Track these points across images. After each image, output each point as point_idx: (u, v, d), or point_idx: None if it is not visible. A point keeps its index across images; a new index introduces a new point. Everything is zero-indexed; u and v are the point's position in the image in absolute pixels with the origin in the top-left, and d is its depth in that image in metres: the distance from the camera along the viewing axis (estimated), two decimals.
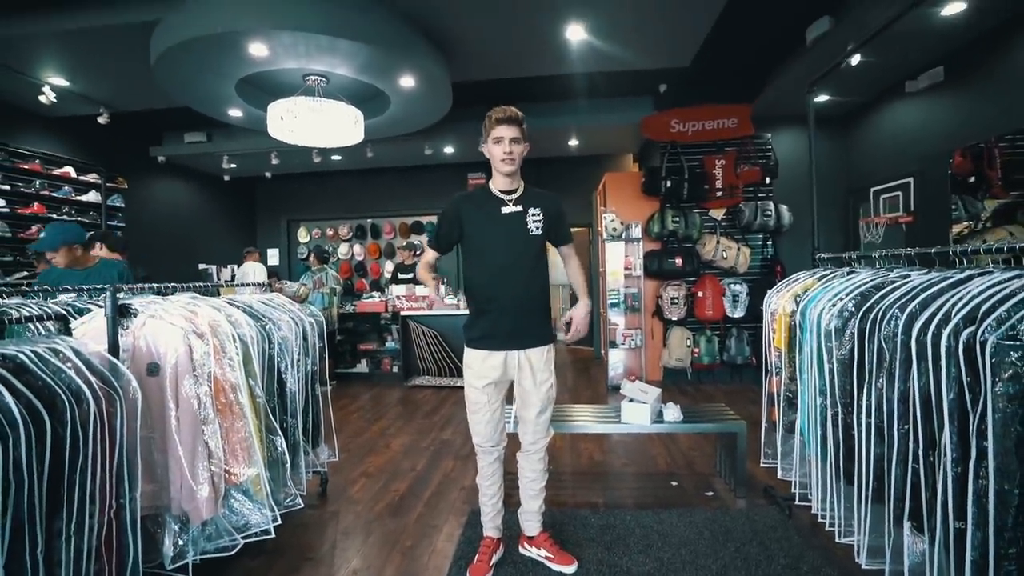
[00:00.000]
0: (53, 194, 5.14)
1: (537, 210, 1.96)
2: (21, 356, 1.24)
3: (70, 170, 5.33)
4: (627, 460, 3.19)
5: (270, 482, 2.01)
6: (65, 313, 1.60)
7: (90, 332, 1.77)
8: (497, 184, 1.97)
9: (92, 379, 1.40)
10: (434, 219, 8.20)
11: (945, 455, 1.28)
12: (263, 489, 1.94)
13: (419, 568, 2.09)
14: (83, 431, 1.33)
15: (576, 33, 3.69)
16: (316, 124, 3.69)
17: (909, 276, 1.71)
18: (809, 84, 2.47)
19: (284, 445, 2.04)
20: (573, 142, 6.43)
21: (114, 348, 1.73)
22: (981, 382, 1.18)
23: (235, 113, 4.58)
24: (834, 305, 1.84)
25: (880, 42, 3.57)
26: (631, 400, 2.67)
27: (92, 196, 5.50)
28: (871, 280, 1.84)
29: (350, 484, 2.93)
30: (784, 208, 5.05)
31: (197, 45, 3.26)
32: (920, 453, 1.40)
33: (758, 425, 3.48)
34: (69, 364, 1.38)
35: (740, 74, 5.00)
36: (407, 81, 4.04)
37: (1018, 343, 1.13)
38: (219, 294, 2.42)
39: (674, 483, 2.85)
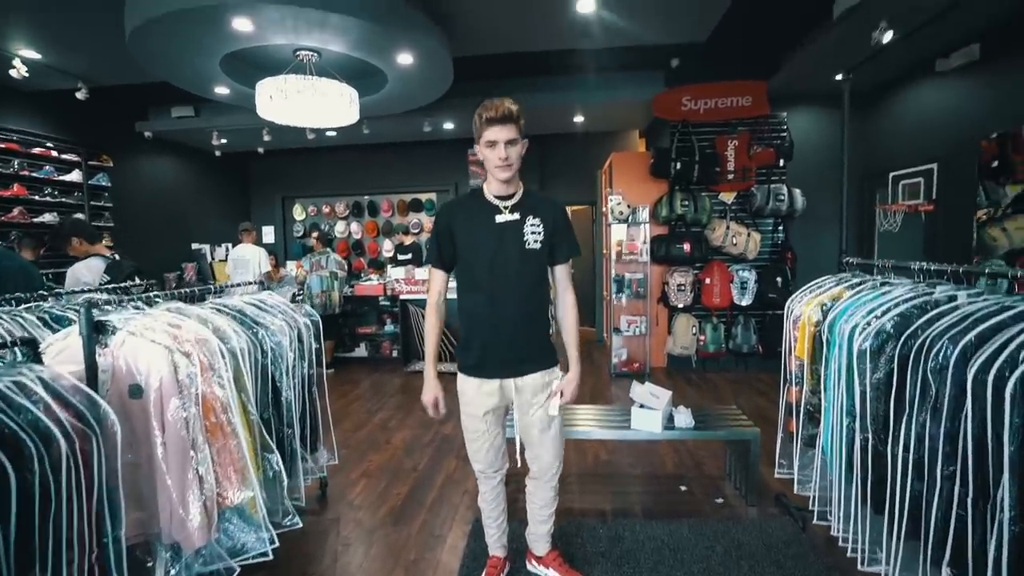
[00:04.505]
0: (34, 174, 4.91)
1: (537, 220, 1.68)
2: None
3: (51, 148, 5.08)
4: (634, 460, 3.11)
5: (266, 502, 1.91)
6: (33, 338, 1.46)
7: (65, 352, 1.63)
8: (491, 188, 1.69)
9: (64, 416, 1.27)
10: (433, 196, 8.02)
11: (1002, 511, 1.17)
12: (259, 511, 1.85)
13: None
14: (55, 476, 1.21)
15: (587, 5, 3.43)
16: (307, 103, 3.46)
17: (957, 299, 1.58)
18: (846, 72, 2.27)
19: (280, 463, 1.94)
20: (578, 119, 6.16)
21: (91, 372, 1.59)
22: None
23: (221, 90, 4.32)
24: (869, 323, 1.70)
25: (912, 16, 3.35)
26: (641, 406, 2.56)
27: (76, 176, 5.27)
28: (911, 297, 1.70)
29: (351, 487, 2.85)
30: (798, 192, 4.86)
31: (174, 19, 3.01)
32: (968, 500, 1.29)
33: (768, 422, 3.42)
34: (36, 399, 1.25)
35: (756, 49, 4.74)
36: (405, 59, 3.79)
37: None
38: (205, 298, 2.27)
39: (683, 487, 2.77)
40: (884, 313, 1.68)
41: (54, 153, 5.10)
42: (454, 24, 3.84)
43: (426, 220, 7.72)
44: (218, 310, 2.08)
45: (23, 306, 2.10)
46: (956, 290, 1.63)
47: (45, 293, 2.44)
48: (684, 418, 2.59)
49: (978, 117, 3.70)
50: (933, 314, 1.51)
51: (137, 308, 1.87)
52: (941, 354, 1.37)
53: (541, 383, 1.76)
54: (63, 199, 5.08)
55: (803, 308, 2.18)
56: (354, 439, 3.54)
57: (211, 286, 2.43)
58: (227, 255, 6.58)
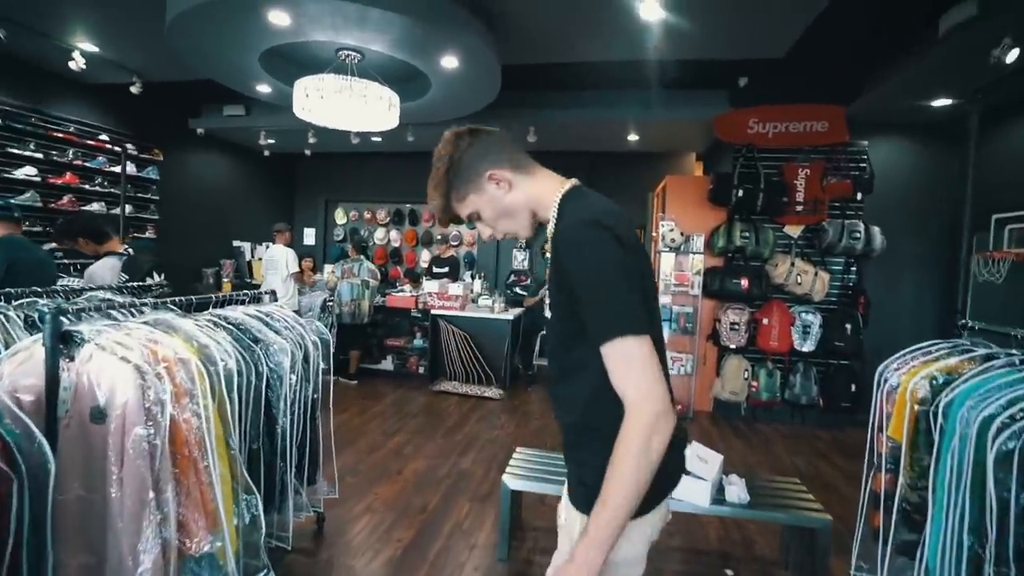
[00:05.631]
0: (87, 164, 4.99)
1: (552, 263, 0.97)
2: None
3: (104, 140, 5.16)
4: (672, 529, 2.70)
5: (240, 551, 1.65)
6: None
7: (28, 364, 1.43)
8: None
9: None
10: None
11: None
12: (229, 562, 1.58)
13: None
14: None
15: (651, 11, 3.12)
16: (345, 105, 3.29)
17: None
18: (974, 90, 1.85)
19: (260, 507, 1.67)
20: (632, 137, 5.82)
21: (51, 388, 1.38)
22: None
23: (263, 88, 4.25)
24: (1014, 416, 1.29)
25: None
26: (687, 473, 2.17)
27: (128, 168, 5.34)
28: None
29: (351, 523, 2.57)
30: (876, 230, 4.33)
31: (210, 10, 2.89)
32: None
33: (834, 494, 2.93)
34: None
35: (835, 71, 4.28)
36: (450, 61, 3.58)
37: None
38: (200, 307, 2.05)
39: (729, 572, 2.35)
40: None
41: (108, 144, 5.18)
42: (504, 28, 3.61)
43: (466, 233, 7.51)
44: (214, 323, 1.86)
45: (18, 302, 1.95)
46: None
47: (57, 289, 2.31)
48: (737, 491, 2.19)
49: None
50: None
51: (117, 318, 1.66)
52: None
53: (572, 528, 1.02)
54: (112, 189, 5.14)
55: (903, 378, 1.75)
56: (364, 464, 3.28)
57: (242, 295, 2.21)
58: (258, 258, 6.58)
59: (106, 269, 2.63)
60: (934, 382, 1.63)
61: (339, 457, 3.23)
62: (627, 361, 0.84)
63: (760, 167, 4.51)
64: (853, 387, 4.55)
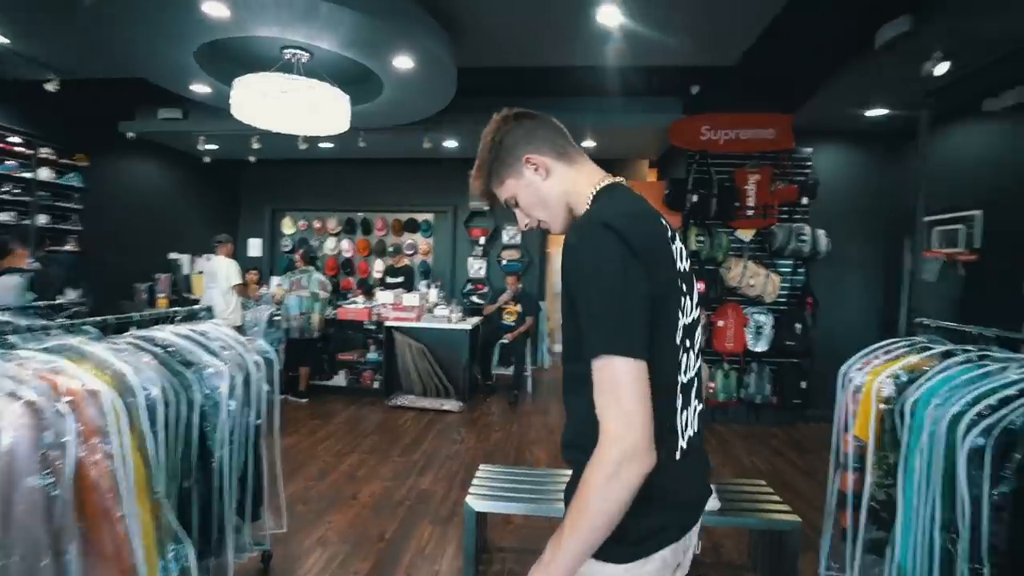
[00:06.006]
0: None
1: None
2: None
3: (16, 142, 4.69)
4: None
5: None
6: None
7: None
8: None
9: None
10: (430, 217, 7.65)
11: None
12: None
13: None
14: None
15: (610, 17, 3.10)
16: (291, 107, 3.09)
17: None
18: (925, 93, 1.90)
19: (191, 558, 1.47)
20: (588, 143, 5.83)
21: None
22: None
23: (200, 88, 3.96)
24: (983, 416, 1.28)
25: (963, 50, 3.03)
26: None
27: (45, 174, 4.87)
28: None
29: (301, 559, 2.36)
30: (821, 233, 4.49)
31: None
32: None
33: (793, 494, 2.94)
34: None
35: (783, 80, 4.43)
36: (404, 62, 3.44)
37: None
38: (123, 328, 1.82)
39: None
40: (1004, 403, 1.27)
41: (19, 148, 4.70)
42: (461, 29, 3.51)
43: (421, 241, 7.33)
44: (137, 346, 1.64)
45: None
46: None
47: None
48: (712, 500, 2.13)
49: None
50: None
51: (14, 344, 1.42)
52: None
53: None
54: (24, 197, 4.67)
55: (867, 378, 1.75)
56: (315, 492, 3.05)
57: (171, 312, 1.98)
58: (198, 271, 6.16)
59: (7, 288, 2.32)
60: (898, 380, 1.64)
61: (288, 485, 3.00)
62: (611, 384, 0.76)
63: (713, 173, 4.60)
64: (804, 384, 4.70)
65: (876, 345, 1.88)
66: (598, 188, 0.93)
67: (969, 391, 1.38)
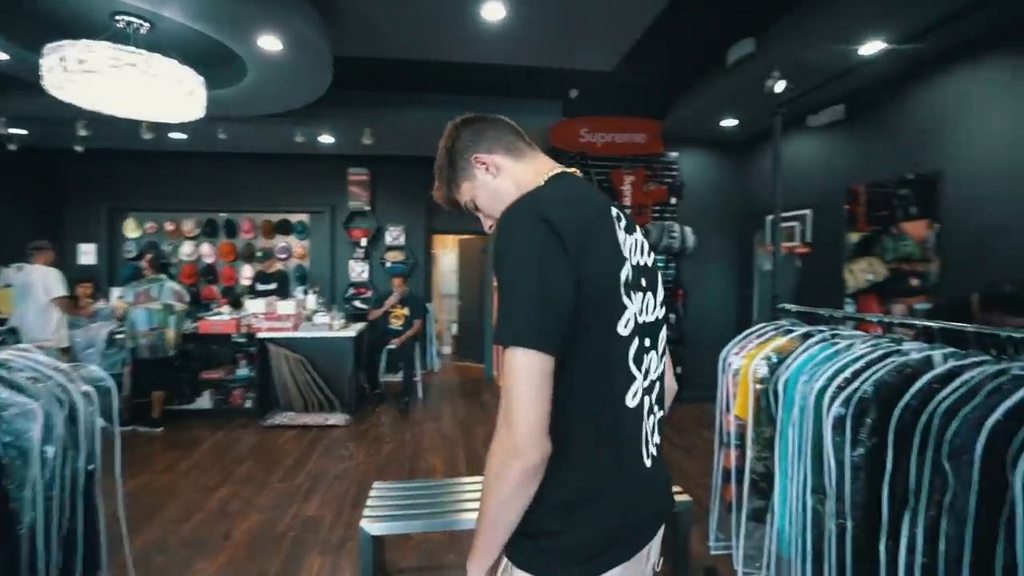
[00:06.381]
0: None
1: None
2: None
3: None
4: None
5: None
6: None
7: None
8: None
9: None
10: (305, 218, 7.05)
11: None
12: None
13: None
14: None
15: (494, 12, 3.07)
16: (126, 85, 2.60)
17: (933, 360, 1.36)
18: (776, 106, 2.12)
19: None
20: None
21: None
22: None
23: None
24: (842, 388, 1.44)
25: (793, 73, 3.49)
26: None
27: None
28: (881, 356, 1.47)
29: None
30: (689, 230, 4.93)
31: None
32: None
33: (680, 475, 3.17)
34: None
35: (653, 88, 4.77)
36: (270, 43, 3.09)
37: None
38: None
39: None
40: (856, 376, 1.43)
41: None
42: (337, 14, 3.25)
43: (296, 244, 6.75)
44: None
45: None
46: (931, 349, 1.42)
47: None
48: None
49: (845, 169, 3.98)
50: (925, 381, 1.26)
51: None
52: (958, 437, 1.10)
53: None
54: None
55: (744, 361, 1.91)
56: (177, 537, 2.61)
57: None
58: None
59: None
60: (770, 362, 1.80)
61: (140, 534, 2.56)
62: (512, 374, 0.72)
63: (593, 174, 4.82)
64: (679, 369, 5.11)
65: (749, 330, 2.05)
66: (546, 178, 0.91)
67: (828, 367, 1.55)
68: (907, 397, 1.26)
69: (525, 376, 0.71)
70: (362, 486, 3.18)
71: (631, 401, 0.81)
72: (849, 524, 1.40)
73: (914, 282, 3.48)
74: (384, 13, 3.28)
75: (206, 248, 6.62)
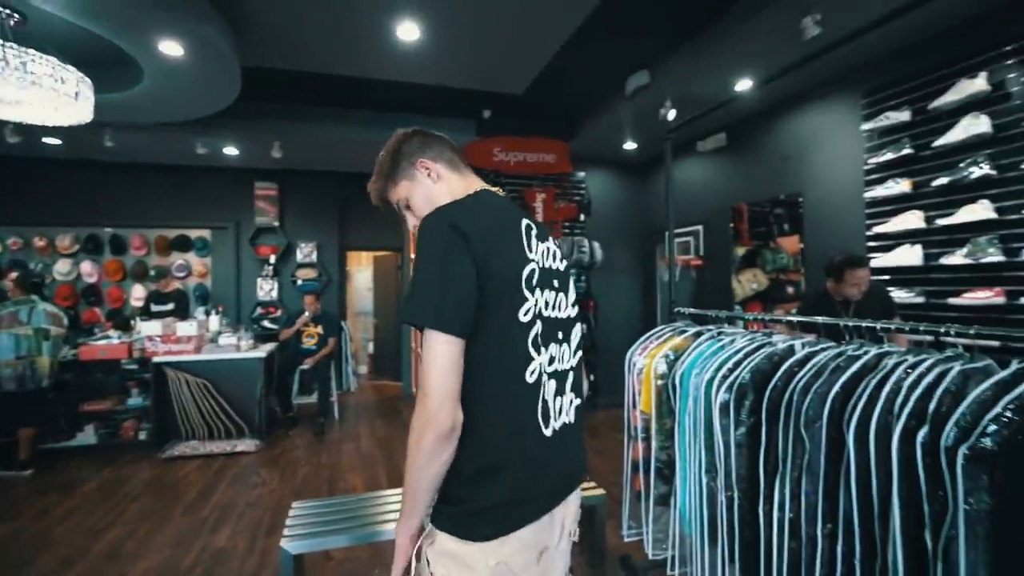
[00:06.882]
0: None
1: None
2: None
3: None
4: None
5: None
6: None
7: None
8: None
9: None
10: (206, 234, 6.58)
11: (895, 572, 1.11)
12: None
13: None
14: None
15: (409, 32, 3.15)
16: None
17: (795, 349, 1.63)
18: (667, 131, 2.40)
19: None
20: None
21: None
22: (949, 495, 1.03)
23: None
24: (726, 377, 1.67)
25: (682, 103, 3.92)
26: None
27: None
28: (756, 348, 1.72)
29: None
30: (597, 245, 5.26)
31: None
32: (856, 561, 1.23)
33: (595, 474, 3.37)
34: None
35: (560, 112, 5.09)
36: (171, 47, 2.94)
37: (985, 452, 1.00)
38: None
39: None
40: (737, 365, 1.66)
41: None
42: (247, 23, 3.16)
43: (195, 261, 6.29)
44: None
45: None
46: (793, 340, 1.69)
47: None
48: None
49: (729, 190, 4.50)
50: (788, 366, 1.51)
51: None
52: (812, 409, 1.34)
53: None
54: None
55: (646, 360, 2.12)
56: None
57: None
58: None
59: None
60: (668, 359, 2.02)
61: None
62: (425, 352, 0.85)
63: (506, 191, 5.01)
64: (592, 377, 5.40)
65: (650, 332, 2.28)
66: (472, 192, 1.03)
67: (715, 360, 1.78)
68: (775, 380, 1.50)
69: (434, 354, 0.84)
70: (277, 512, 3.04)
71: (530, 378, 0.93)
72: (736, 495, 1.62)
73: (790, 290, 4.01)
74: (296, 25, 3.25)
75: (87, 266, 5.96)
